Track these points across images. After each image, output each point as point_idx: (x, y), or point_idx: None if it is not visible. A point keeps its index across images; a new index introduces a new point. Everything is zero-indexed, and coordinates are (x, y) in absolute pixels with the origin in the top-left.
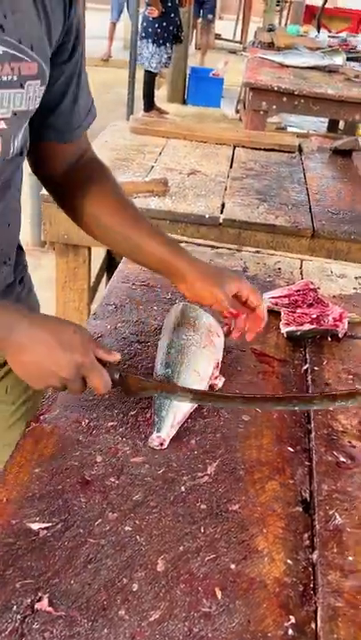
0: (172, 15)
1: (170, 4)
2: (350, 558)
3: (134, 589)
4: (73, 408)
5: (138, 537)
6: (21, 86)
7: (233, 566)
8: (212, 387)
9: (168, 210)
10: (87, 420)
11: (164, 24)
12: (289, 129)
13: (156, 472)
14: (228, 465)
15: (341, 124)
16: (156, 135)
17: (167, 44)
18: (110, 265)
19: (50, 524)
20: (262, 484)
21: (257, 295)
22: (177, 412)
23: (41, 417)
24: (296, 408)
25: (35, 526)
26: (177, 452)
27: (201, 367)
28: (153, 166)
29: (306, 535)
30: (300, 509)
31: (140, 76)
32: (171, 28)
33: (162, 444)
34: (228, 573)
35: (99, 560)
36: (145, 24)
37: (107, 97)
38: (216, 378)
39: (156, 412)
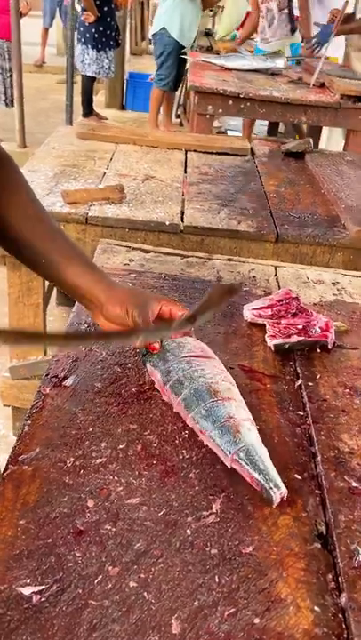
0: (109, 19)
1: (106, 9)
2: None
3: None
4: (54, 445)
5: (145, 594)
6: None
7: (257, 620)
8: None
9: (126, 217)
10: (72, 459)
11: (102, 29)
12: (229, 133)
13: (157, 514)
14: (234, 500)
15: (281, 127)
16: (105, 140)
17: (107, 49)
18: None
19: (43, 587)
20: (274, 520)
21: (178, 306)
22: (263, 454)
23: (19, 457)
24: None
25: (26, 591)
26: (176, 490)
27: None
28: (105, 173)
29: (330, 576)
30: (319, 546)
31: (76, 81)
32: (109, 32)
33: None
34: (252, 629)
35: (104, 626)
36: (82, 29)
37: (43, 103)
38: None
39: (257, 469)
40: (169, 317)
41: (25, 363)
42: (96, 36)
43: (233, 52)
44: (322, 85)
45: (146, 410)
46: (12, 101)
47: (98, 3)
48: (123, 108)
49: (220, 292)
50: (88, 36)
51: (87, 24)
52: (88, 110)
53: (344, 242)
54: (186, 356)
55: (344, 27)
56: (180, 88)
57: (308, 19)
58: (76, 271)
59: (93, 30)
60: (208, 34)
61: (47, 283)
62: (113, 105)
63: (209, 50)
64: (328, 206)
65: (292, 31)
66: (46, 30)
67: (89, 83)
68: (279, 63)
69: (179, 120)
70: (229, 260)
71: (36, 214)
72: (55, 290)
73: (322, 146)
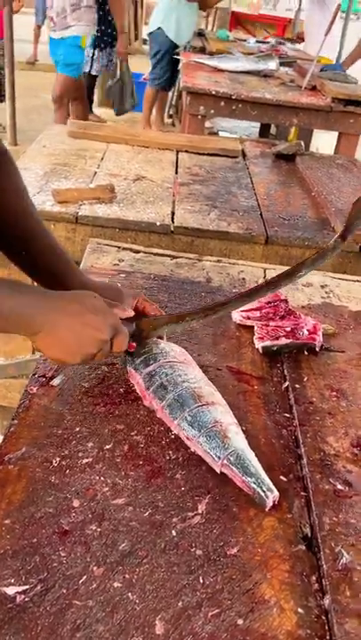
0: (110, 18)
1: (107, 8)
2: None
3: None
4: (41, 445)
5: (130, 594)
6: None
7: (240, 621)
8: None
9: (117, 217)
10: (58, 459)
11: (103, 27)
12: (221, 134)
13: (142, 515)
14: (219, 502)
15: (273, 129)
16: (96, 139)
17: (107, 48)
18: None
19: (27, 587)
20: (259, 521)
21: (153, 306)
22: (252, 457)
23: (5, 457)
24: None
25: (10, 590)
26: (162, 491)
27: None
28: (96, 172)
29: (314, 577)
30: (304, 547)
31: None
32: (109, 30)
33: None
34: (235, 630)
35: (88, 626)
36: None
37: (35, 101)
38: None
39: (248, 474)
40: (143, 313)
41: (13, 362)
42: (97, 34)
43: (226, 53)
44: (313, 88)
45: (133, 410)
46: (3, 96)
47: (100, 1)
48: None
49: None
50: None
51: None
52: (89, 108)
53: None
54: (169, 361)
55: (348, 59)
56: (173, 88)
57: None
58: (51, 260)
59: (96, 29)
60: (201, 34)
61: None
62: (105, 104)
63: (202, 50)
64: (318, 209)
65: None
66: (39, 27)
67: (91, 80)
68: (271, 65)
69: (171, 120)
70: (219, 261)
71: (22, 207)
72: None
73: (313, 148)
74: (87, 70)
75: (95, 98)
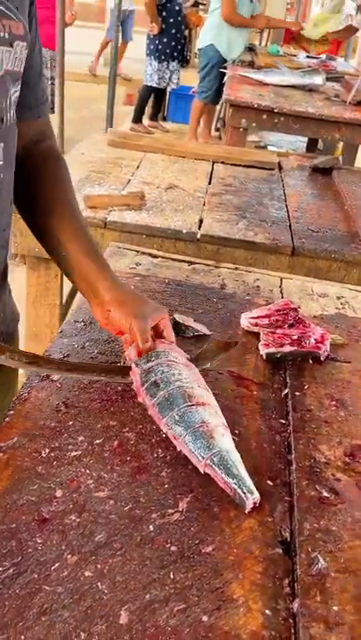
0: (174, 32)
1: (171, 21)
2: (335, 608)
3: None
4: (32, 436)
5: (99, 584)
6: (10, 45)
7: (205, 618)
8: None
9: (144, 224)
10: (48, 450)
11: (165, 40)
12: (269, 148)
13: (122, 509)
14: (201, 501)
15: (320, 144)
16: (134, 149)
17: (169, 61)
18: None
19: (0, 569)
20: (239, 523)
21: (171, 334)
22: (237, 459)
23: None
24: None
25: None
26: (145, 487)
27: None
28: (130, 180)
29: (286, 581)
30: (280, 551)
31: (120, 92)
32: (173, 44)
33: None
34: (199, 626)
35: (54, 611)
36: (148, 42)
37: (85, 112)
38: None
39: (230, 475)
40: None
41: None
42: (160, 47)
43: (272, 67)
44: (358, 103)
45: (128, 408)
46: (52, 108)
47: (164, 14)
48: (164, 119)
49: (217, 345)
50: (152, 47)
51: (152, 36)
52: (138, 118)
53: (360, 258)
54: (169, 360)
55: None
56: (220, 101)
57: None
58: (84, 261)
59: (157, 42)
60: (251, 49)
61: (66, 285)
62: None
63: (251, 64)
64: (349, 222)
65: None
66: (107, 43)
67: (146, 92)
68: (317, 80)
69: (218, 133)
70: (236, 269)
71: (60, 204)
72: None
73: (358, 163)
74: (147, 82)
75: (146, 109)
